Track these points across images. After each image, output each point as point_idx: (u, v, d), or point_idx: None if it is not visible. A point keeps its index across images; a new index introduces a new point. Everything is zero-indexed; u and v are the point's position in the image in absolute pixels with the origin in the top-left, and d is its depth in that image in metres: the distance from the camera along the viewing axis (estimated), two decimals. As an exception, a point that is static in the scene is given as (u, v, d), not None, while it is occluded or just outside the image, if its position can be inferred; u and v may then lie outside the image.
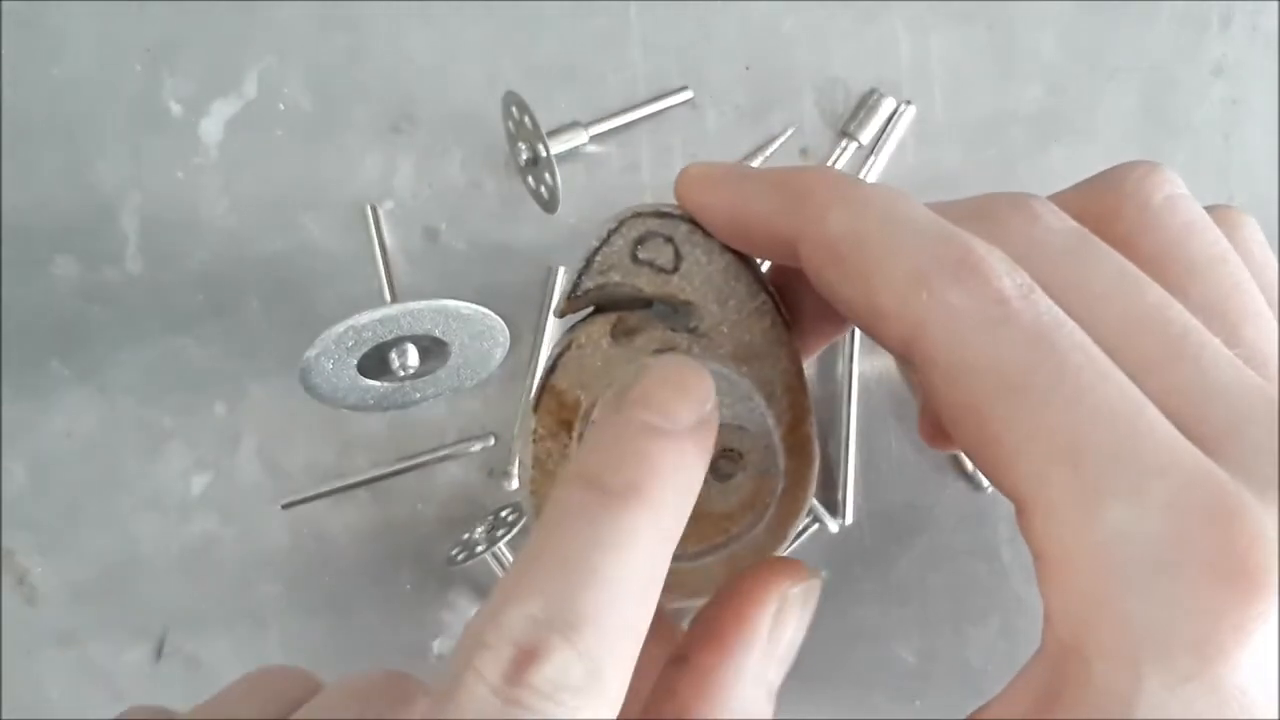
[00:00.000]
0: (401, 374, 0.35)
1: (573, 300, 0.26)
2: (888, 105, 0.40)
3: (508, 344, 0.36)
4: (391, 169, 0.40)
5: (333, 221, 0.40)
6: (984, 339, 0.20)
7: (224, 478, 0.40)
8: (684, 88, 0.40)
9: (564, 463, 0.25)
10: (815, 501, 0.39)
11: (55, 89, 0.40)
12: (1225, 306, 0.22)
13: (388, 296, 0.39)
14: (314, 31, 0.40)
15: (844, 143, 0.41)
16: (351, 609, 0.40)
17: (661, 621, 0.20)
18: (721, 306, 0.26)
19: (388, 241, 0.40)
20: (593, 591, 0.18)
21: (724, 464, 0.25)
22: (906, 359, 0.22)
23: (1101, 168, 0.26)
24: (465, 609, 0.40)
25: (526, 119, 0.37)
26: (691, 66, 0.41)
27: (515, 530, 0.38)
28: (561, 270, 0.40)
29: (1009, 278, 0.21)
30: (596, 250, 0.26)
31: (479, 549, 0.37)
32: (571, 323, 0.27)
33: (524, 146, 0.38)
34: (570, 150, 0.39)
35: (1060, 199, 0.25)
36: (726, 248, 0.26)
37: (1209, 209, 0.24)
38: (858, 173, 0.41)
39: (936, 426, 0.28)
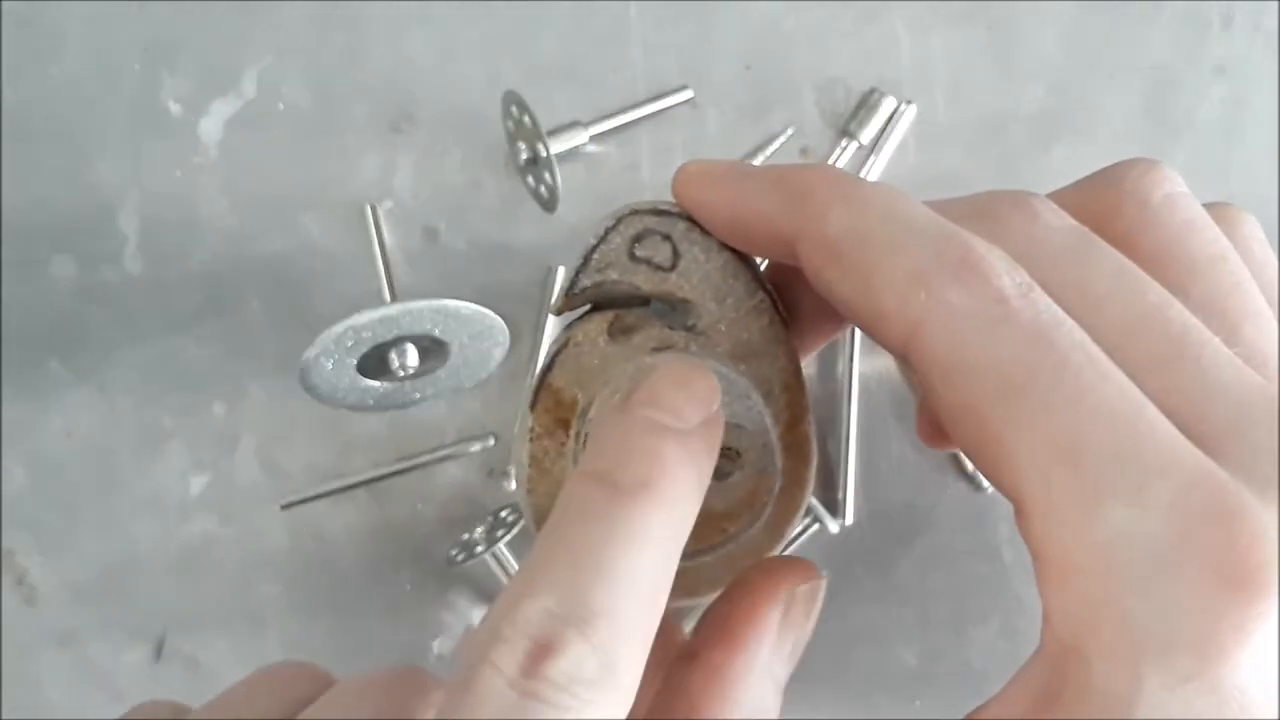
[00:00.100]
0: (401, 374, 0.35)
1: (570, 298, 0.26)
2: (888, 105, 0.40)
3: (508, 344, 0.36)
4: (391, 169, 0.40)
5: (332, 221, 0.40)
6: (983, 338, 0.20)
7: (223, 478, 0.40)
8: (684, 87, 0.40)
9: (560, 461, 0.25)
10: (815, 502, 0.39)
11: (55, 89, 0.40)
12: (1225, 305, 0.22)
13: (387, 296, 0.39)
14: (313, 31, 0.40)
15: (844, 142, 0.41)
16: (351, 609, 0.40)
17: (663, 622, 0.20)
18: (719, 305, 0.26)
19: (387, 241, 0.40)
20: (606, 586, 0.19)
21: (721, 463, 0.25)
22: (905, 359, 0.21)
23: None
24: (465, 609, 0.40)
25: (526, 118, 0.36)
26: (691, 66, 0.41)
27: (515, 530, 0.38)
28: (561, 270, 0.40)
29: (1009, 277, 0.20)
30: (594, 248, 0.26)
31: (479, 549, 0.37)
32: (569, 320, 0.27)
33: (524, 146, 0.38)
34: (570, 150, 0.39)
35: (1060, 197, 0.24)
36: (724, 246, 0.26)
37: (1208, 207, 0.24)
38: (858, 172, 0.41)
39: (934, 426, 0.28)
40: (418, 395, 0.37)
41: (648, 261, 0.26)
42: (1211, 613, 0.18)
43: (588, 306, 0.27)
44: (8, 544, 0.39)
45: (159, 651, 0.39)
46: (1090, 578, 0.19)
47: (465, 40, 0.40)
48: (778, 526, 0.26)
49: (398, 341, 0.35)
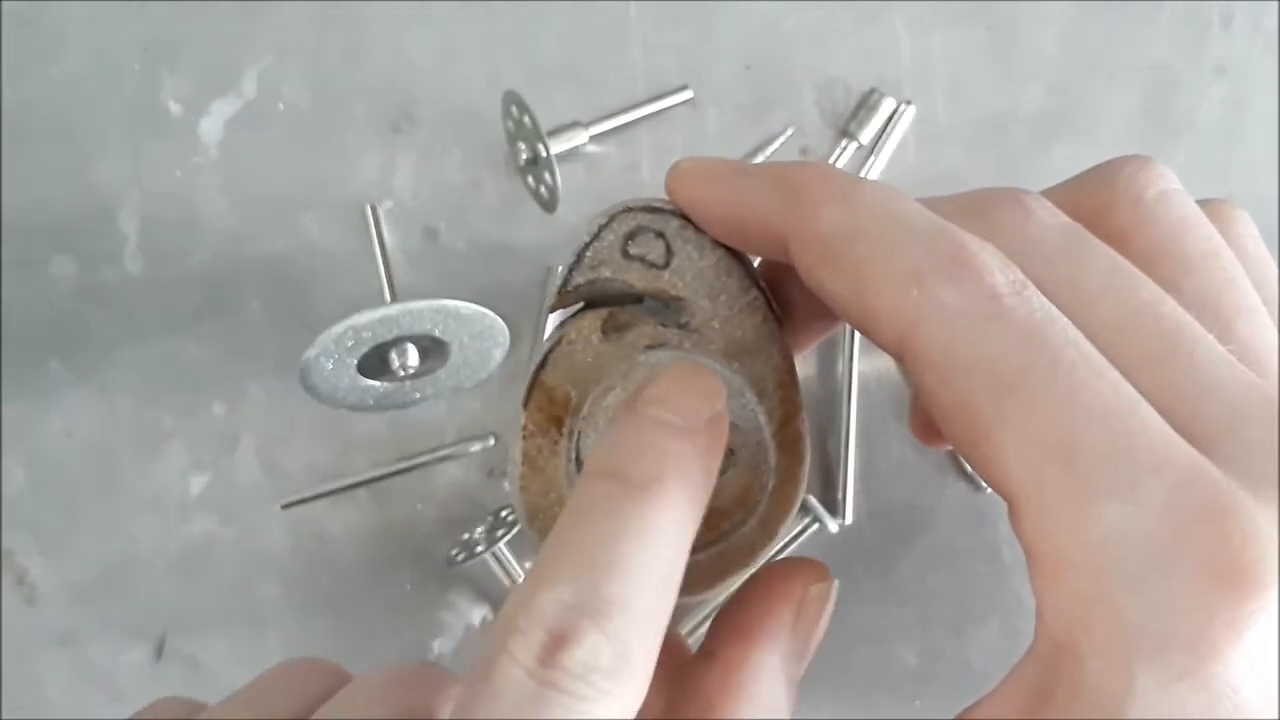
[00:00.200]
0: (401, 374, 0.35)
1: (563, 295, 0.26)
2: (888, 105, 0.40)
3: (507, 344, 0.36)
4: (391, 169, 0.40)
5: (332, 221, 0.40)
6: (976, 336, 0.20)
7: (223, 478, 0.40)
8: (684, 87, 0.40)
9: (554, 459, 0.25)
10: (815, 501, 0.39)
11: (54, 88, 0.40)
12: (1218, 301, 0.22)
13: (387, 296, 0.39)
14: (313, 31, 0.40)
15: (844, 142, 0.41)
16: (351, 609, 0.40)
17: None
18: (713, 302, 0.26)
19: (387, 241, 0.40)
20: (619, 578, 0.19)
21: None
22: (899, 356, 0.21)
23: (1101, 167, 0.25)
24: (465, 609, 0.40)
25: (526, 119, 0.36)
26: (691, 66, 0.41)
27: (515, 530, 0.37)
28: (560, 270, 0.40)
29: (1001, 274, 0.20)
30: (587, 245, 0.26)
31: (479, 549, 0.37)
32: (562, 318, 0.27)
33: (524, 146, 0.38)
34: (570, 150, 0.39)
35: (1053, 194, 0.24)
36: (718, 243, 0.26)
37: (1202, 203, 0.24)
38: (858, 172, 0.40)
39: (928, 422, 0.28)
40: (418, 395, 0.37)
41: (641, 259, 0.25)
42: (1205, 610, 0.18)
43: (581, 304, 0.27)
44: (8, 544, 0.39)
45: (159, 651, 0.39)
46: (1083, 575, 0.19)
47: (465, 40, 0.40)
48: (771, 524, 0.26)
49: (398, 341, 0.35)
